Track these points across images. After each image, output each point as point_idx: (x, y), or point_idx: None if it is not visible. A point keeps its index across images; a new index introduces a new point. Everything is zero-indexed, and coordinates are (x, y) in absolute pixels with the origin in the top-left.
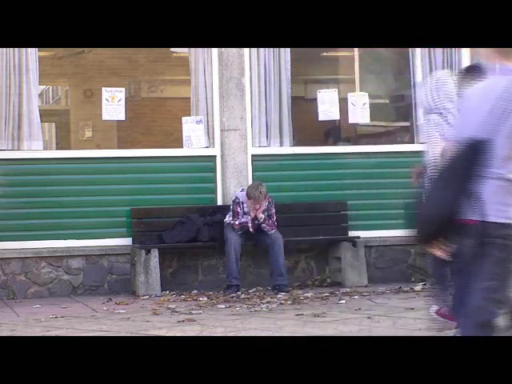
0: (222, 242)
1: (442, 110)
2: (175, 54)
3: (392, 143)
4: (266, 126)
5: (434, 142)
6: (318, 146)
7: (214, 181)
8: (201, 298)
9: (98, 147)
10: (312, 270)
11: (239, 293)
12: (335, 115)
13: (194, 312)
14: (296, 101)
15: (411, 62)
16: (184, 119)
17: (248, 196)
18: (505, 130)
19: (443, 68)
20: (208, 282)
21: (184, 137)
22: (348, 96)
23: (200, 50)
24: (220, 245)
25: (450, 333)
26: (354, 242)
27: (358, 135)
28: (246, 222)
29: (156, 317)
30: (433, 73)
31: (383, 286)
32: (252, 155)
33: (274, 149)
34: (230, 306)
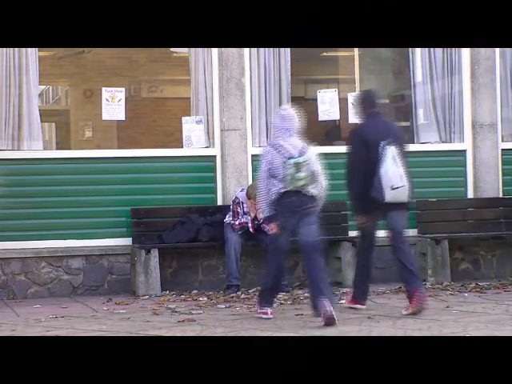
0: (222, 242)
1: (279, 139)
2: (175, 54)
3: None
4: (266, 126)
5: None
6: (318, 146)
7: (214, 181)
8: (201, 298)
9: (98, 147)
10: None
11: (239, 293)
12: (335, 115)
13: (194, 312)
14: (296, 101)
15: (411, 62)
16: (184, 119)
17: (248, 196)
18: None
19: (443, 67)
20: (208, 282)
21: (184, 137)
22: (348, 96)
23: (200, 50)
24: (220, 245)
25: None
26: (354, 241)
27: None
28: (246, 222)
29: (156, 317)
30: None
31: (383, 285)
32: (252, 155)
33: None
34: (229, 306)
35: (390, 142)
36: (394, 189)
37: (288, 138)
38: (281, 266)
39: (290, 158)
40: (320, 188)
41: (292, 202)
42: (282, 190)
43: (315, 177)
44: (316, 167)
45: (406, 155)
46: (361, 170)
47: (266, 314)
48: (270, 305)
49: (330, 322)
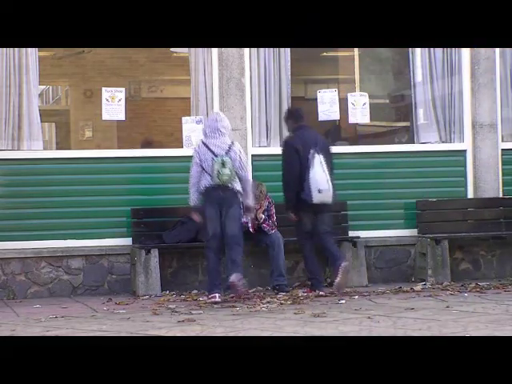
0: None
1: (211, 139)
2: (175, 54)
3: (392, 143)
4: (266, 126)
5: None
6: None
7: None
8: (201, 298)
9: (98, 147)
10: None
11: None
12: (335, 115)
13: (194, 312)
14: (296, 101)
15: (411, 62)
16: (184, 119)
17: None
18: None
19: (443, 67)
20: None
21: (184, 137)
22: (348, 96)
23: (200, 49)
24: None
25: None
26: (354, 242)
27: (357, 135)
28: (246, 222)
29: (156, 317)
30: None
31: (383, 286)
32: (252, 155)
33: (274, 149)
34: (230, 306)
35: (317, 151)
36: (320, 192)
37: (220, 138)
38: (217, 252)
39: (217, 156)
40: (246, 184)
41: (217, 195)
42: (209, 184)
43: (239, 174)
44: (241, 165)
45: (331, 162)
46: (295, 175)
47: (215, 297)
48: (218, 290)
49: (235, 291)
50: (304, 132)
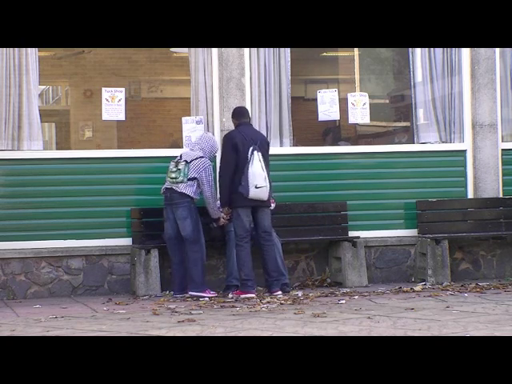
0: (222, 242)
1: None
2: (175, 54)
3: (392, 143)
4: (266, 126)
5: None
6: (317, 146)
7: (214, 181)
8: (201, 298)
9: (98, 147)
10: (312, 270)
11: None
12: (335, 115)
13: (193, 312)
14: (296, 101)
15: (411, 62)
16: (184, 119)
17: None
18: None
19: (443, 68)
20: (208, 282)
21: (184, 137)
22: (348, 96)
23: (200, 49)
24: (220, 245)
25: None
26: (353, 242)
27: (357, 135)
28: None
29: (156, 317)
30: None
31: (383, 286)
32: None
33: (274, 149)
34: (230, 306)
35: (256, 148)
36: (257, 187)
37: (194, 151)
38: (172, 251)
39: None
40: (205, 200)
41: (166, 197)
42: (164, 186)
43: (192, 180)
44: (198, 175)
45: (268, 161)
46: (229, 170)
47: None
48: (181, 292)
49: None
50: (245, 129)
